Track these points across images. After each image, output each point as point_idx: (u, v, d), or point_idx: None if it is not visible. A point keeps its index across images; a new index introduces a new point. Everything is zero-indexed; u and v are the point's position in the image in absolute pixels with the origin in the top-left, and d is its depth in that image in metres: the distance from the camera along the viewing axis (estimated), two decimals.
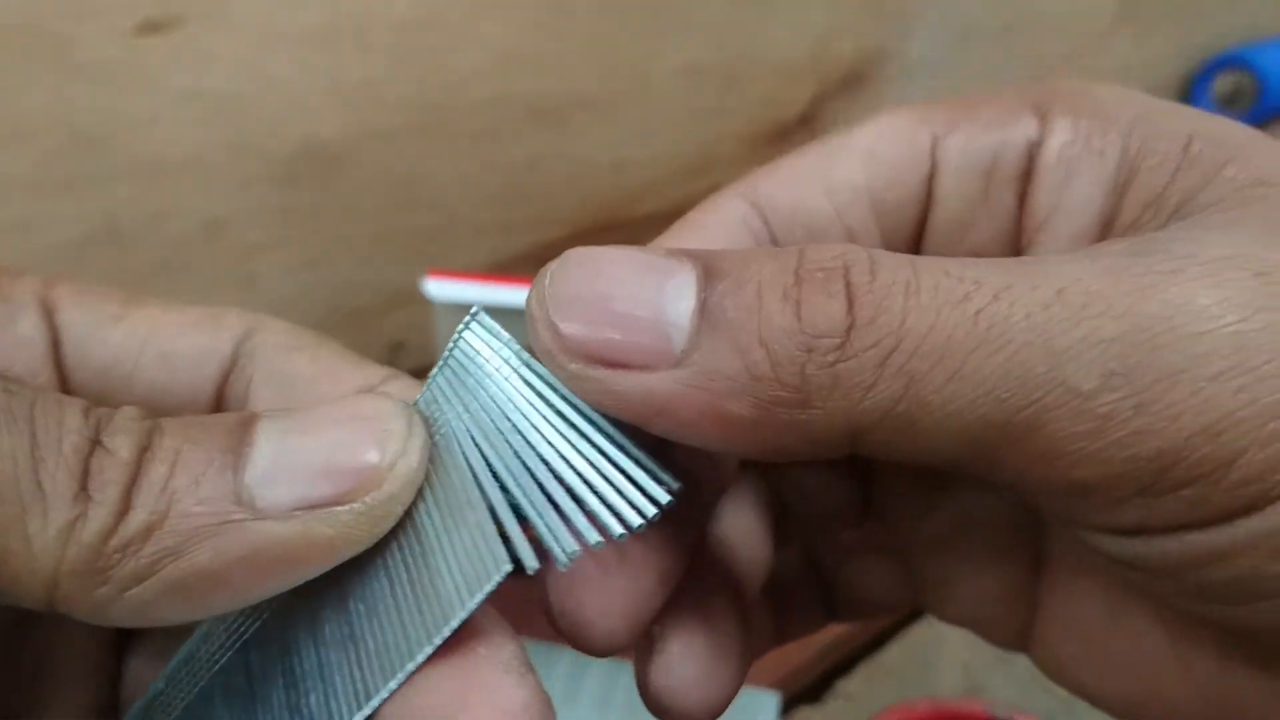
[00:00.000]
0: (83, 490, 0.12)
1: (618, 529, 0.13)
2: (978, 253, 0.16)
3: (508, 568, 0.14)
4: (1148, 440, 0.11)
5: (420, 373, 0.55)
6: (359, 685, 0.14)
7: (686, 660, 0.15)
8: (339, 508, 0.14)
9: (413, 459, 0.14)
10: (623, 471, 0.14)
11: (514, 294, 0.48)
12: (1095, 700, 0.16)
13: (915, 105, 0.17)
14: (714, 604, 0.16)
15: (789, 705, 0.43)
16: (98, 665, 0.18)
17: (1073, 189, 0.15)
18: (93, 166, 0.44)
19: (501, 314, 0.54)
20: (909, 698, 0.43)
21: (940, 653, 0.46)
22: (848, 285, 0.12)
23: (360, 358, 0.18)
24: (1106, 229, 0.15)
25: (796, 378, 0.12)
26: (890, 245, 0.17)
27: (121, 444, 0.13)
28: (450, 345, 0.16)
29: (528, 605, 0.48)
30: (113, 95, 0.44)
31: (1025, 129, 0.16)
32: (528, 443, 0.14)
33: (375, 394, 0.15)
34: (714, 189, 0.65)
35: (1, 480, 0.12)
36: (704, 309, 0.13)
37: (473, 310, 0.16)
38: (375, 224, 0.55)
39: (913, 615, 0.50)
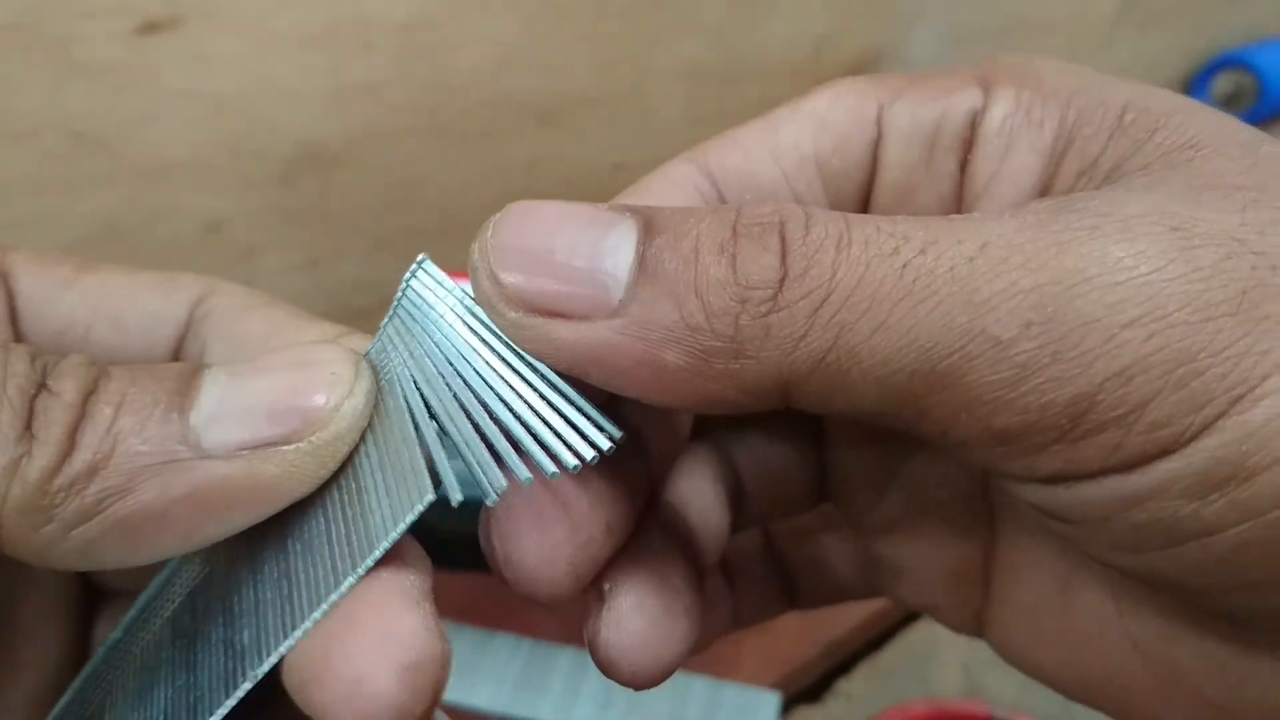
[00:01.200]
0: (27, 430, 0.12)
1: (550, 467, 0.13)
2: (920, 213, 0.16)
3: (431, 497, 0.14)
4: (1063, 386, 0.11)
5: None
6: (286, 618, 0.14)
7: (636, 615, 0.15)
8: (285, 447, 0.14)
9: (358, 401, 0.14)
10: (563, 416, 0.14)
11: None
12: (1049, 680, 0.17)
13: (865, 77, 0.18)
14: (666, 563, 0.16)
15: (789, 705, 0.43)
16: (67, 628, 0.19)
17: (1012, 156, 0.16)
18: (93, 166, 0.44)
19: None
20: (909, 698, 0.43)
21: (940, 653, 0.46)
22: (782, 239, 0.12)
23: (314, 317, 0.19)
24: (1044, 194, 0.16)
25: (730, 328, 0.12)
26: (837, 208, 0.17)
27: (67, 387, 0.13)
28: (399, 293, 0.16)
29: (535, 605, 0.48)
30: (113, 95, 0.44)
31: (969, 99, 0.16)
32: (468, 385, 0.15)
33: (324, 342, 0.16)
34: None
35: None
36: (642, 261, 0.13)
37: (419, 258, 0.16)
38: (375, 224, 0.55)
39: (913, 615, 0.50)
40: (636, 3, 0.59)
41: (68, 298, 0.18)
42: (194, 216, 0.48)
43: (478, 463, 0.14)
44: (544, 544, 0.14)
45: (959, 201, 0.17)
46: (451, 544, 0.46)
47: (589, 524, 0.15)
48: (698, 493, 0.18)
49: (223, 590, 0.16)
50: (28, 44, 0.41)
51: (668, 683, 0.45)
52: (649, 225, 0.13)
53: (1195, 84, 1.10)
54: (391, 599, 0.14)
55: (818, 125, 0.17)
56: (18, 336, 0.17)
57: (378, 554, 0.14)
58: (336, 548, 0.14)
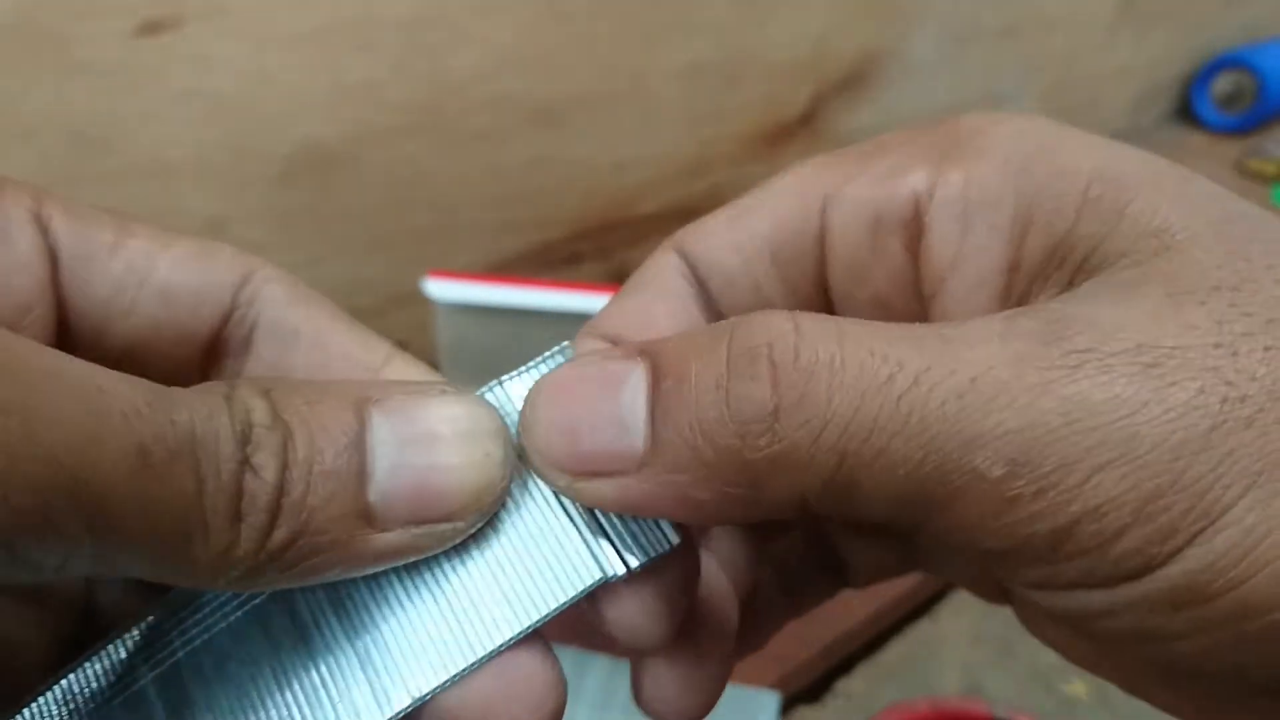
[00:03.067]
0: (236, 515, 0.14)
1: (633, 563, 0.16)
2: (878, 297, 0.18)
3: (600, 577, 0.16)
4: (1044, 520, 0.13)
5: None
6: (444, 655, 0.16)
7: (669, 673, 0.17)
8: (445, 525, 0.15)
9: (506, 482, 0.16)
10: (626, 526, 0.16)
11: (514, 294, 0.48)
12: (1059, 649, 0.18)
13: (822, 157, 0.19)
14: (697, 620, 0.18)
15: (789, 705, 0.43)
16: (72, 595, 0.19)
17: (971, 237, 0.16)
18: (93, 166, 0.44)
19: (500, 314, 0.54)
20: (909, 698, 0.43)
21: (940, 653, 0.46)
22: (771, 366, 0.13)
23: (355, 322, 0.19)
24: (1012, 273, 0.16)
25: (738, 464, 0.13)
26: (796, 292, 0.19)
27: (267, 463, 0.14)
28: (539, 360, 0.17)
29: None
30: (113, 95, 0.44)
31: (912, 182, 0.17)
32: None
33: (472, 400, 0.16)
34: (713, 189, 0.66)
35: (173, 517, 0.13)
36: (654, 412, 0.14)
37: (564, 345, 0.17)
38: (375, 224, 0.55)
39: (913, 615, 0.50)
40: (636, 3, 0.59)
41: (114, 266, 0.18)
42: (194, 216, 0.48)
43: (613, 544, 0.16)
44: (644, 601, 0.16)
45: (916, 281, 0.18)
46: None
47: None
48: (723, 537, 0.19)
49: (334, 601, 0.17)
50: (28, 44, 0.41)
51: None
52: (655, 369, 0.14)
53: (1195, 84, 1.10)
54: (541, 663, 0.16)
55: (771, 216, 0.18)
56: (59, 296, 0.17)
57: (542, 618, 0.16)
58: (493, 602, 0.16)
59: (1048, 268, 0.16)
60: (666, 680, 0.17)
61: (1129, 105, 1.06)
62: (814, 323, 0.14)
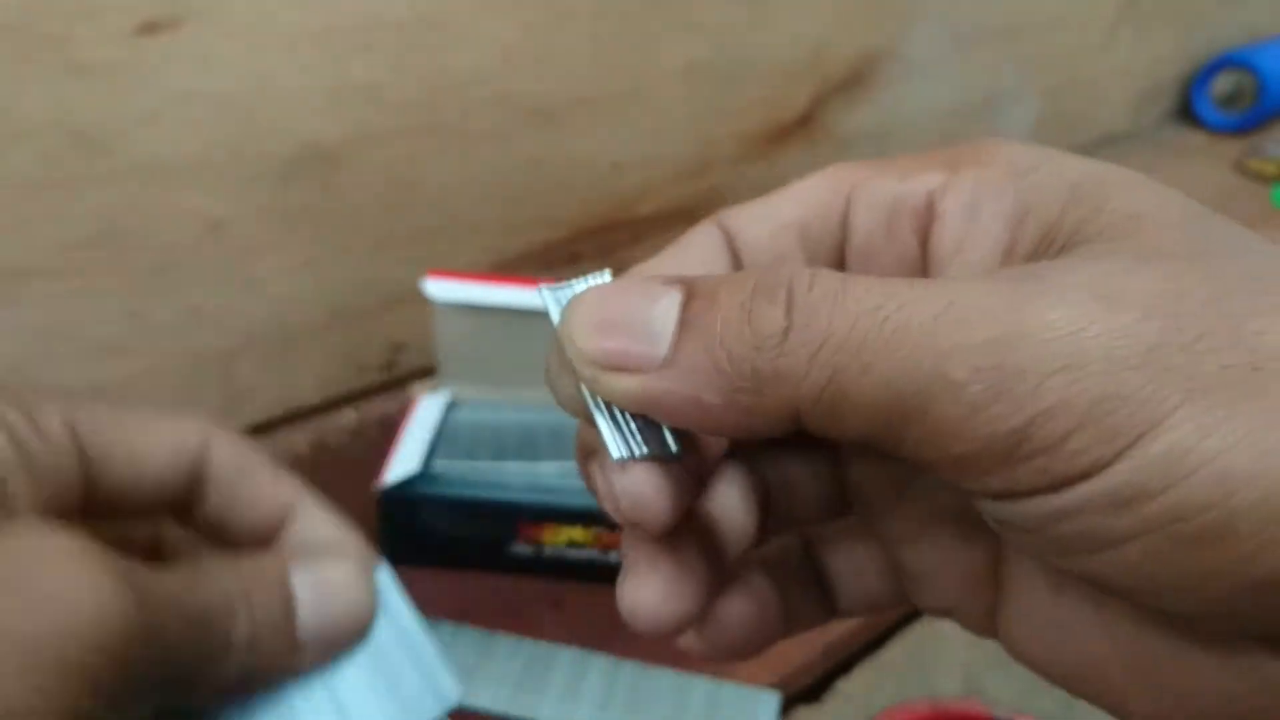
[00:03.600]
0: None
1: (639, 450, 0.18)
2: (884, 273, 0.20)
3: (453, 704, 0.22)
4: (1003, 421, 0.14)
5: (421, 374, 0.55)
6: None
7: (651, 575, 0.19)
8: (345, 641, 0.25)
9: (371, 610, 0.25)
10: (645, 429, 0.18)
11: (514, 294, 0.48)
12: (1045, 673, 0.19)
13: (853, 163, 0.21)
14: (685, 542, 0.20)
15: (789, 705, 0.43)
16: None
17: (977, 222, 0.19)
18: (93, 166, 0.44)
19: (500, 314, 0.54)
20: (909, 698, 0.43)
21: (940, 653, 0.46)
22: (789, 295, 0.16)
23: (295, 485, 0.27)
24: (1010, 256, 0.19)
25: (749, 370, 0.16)
26: (816, 263, 0.21)
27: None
28: (582, 279, 0.19)
29: (535, 604, 0.48)
30: (113, 95, 0.44)
31: (928, 180, 0.20)
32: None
33: (350, 562, 0.25)
34: (714, 189, 0.66)
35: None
36: (683, 323, 0.16)
37: (606, 271, 0.20)
38: (375, 224, 0.55)
39: (912, 615, 0.50)
40: (636, 3, 0.59)
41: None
42: (194, 216, 0.48)
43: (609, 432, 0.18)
44: (654, 476, 0.18)
45: (921, 264, 0.20)
46: (454, 544, 0.46)
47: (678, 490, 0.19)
48: (726, 498, 0.21)
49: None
50: (28, 44, 0.41)
51: (668, 682, 0.44)
52: (690, 292, 0.17)
53: (1195, 84, 1.10)
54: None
55: (804, 199, 0.21)
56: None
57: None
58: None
59: (1039, 249, 0.18)
60: (648, 579, 0.19)
61: (1129, 105, 1.06)
62: (826, 270, 0.16)
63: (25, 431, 0.22)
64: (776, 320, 0.15)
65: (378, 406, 0.58)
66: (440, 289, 0.48)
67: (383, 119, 0.52)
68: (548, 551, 0.45)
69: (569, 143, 0.60)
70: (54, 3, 0.41)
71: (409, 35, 0.51)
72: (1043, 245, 0.18)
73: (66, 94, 0.42)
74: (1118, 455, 0.14)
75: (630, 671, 0.42)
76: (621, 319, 0.17)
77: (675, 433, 0.18)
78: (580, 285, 0.19)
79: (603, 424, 0.18)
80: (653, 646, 0.42)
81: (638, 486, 0.18)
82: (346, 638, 0.24)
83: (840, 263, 0.21)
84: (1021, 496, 0.15)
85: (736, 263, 0.21)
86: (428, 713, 0.23)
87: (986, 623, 0.21)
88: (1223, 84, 1.08)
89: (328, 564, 0.25)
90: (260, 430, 0.56)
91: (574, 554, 0.45)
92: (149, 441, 0.24)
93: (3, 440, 0.21)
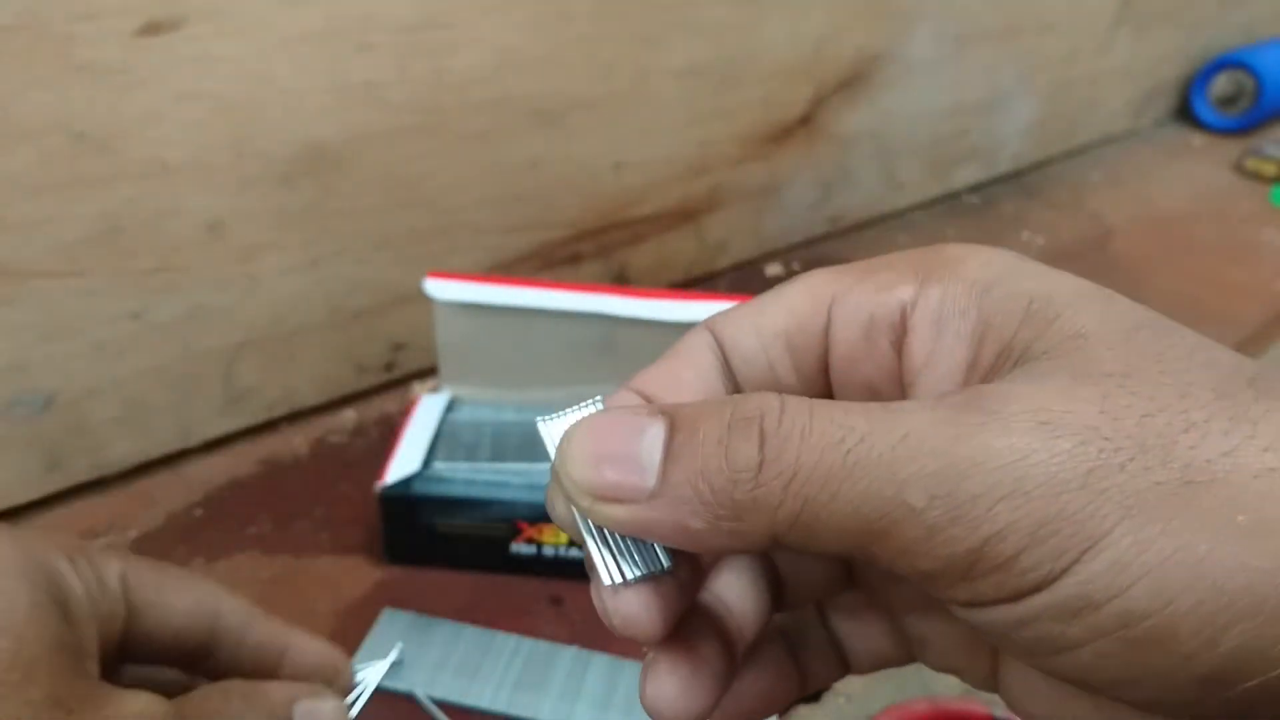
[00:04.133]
0: None
1: (630, 574, 0.19)
2: (868, 383, 0.22)
3: None
4: (960, 542, 0.16)
5: (421, 374, 0.55)
6: None
7: (670, 676, 0.20)
8: None
9: None
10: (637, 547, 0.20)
11: (514, 294, 0.48)
12: None
13: (832, 269, 0.23)
14: (699, 638, 0.21)
15: (789, 705, 0.43)
16: None
17: (942, 340, 0.20)
18: (93, 166, 0.44)
19: (500, 314, 0.54)
20: (909, 698, 0.43)
21: None
22: (761, 430, 0.17)
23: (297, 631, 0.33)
24: (971, 370, 0.20)
25: (729, 501, 0.17)
26: (802, 374, 0.23)
27: None
28: (577, 408, 0.21)
29: (535, 604, 0.48)
30: (113, 95, 0.44)
31: (901, 294, 0.21)
32: None
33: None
34: (713, 189, 0.66)
35: None
36: (668, 455, 0.18)
37: (598, 399, 0.21)
38: (375, 224, 0.55)
39: None
40: (637, 3, 0.59)
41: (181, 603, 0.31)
42: (194, 216, 0.48)
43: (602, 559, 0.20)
44: (643, 597, 0.19)
45: (899, 374, 0.22)
46: (453, 544, 0.46)
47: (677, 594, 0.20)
48: (737, 584, 0.23)
49: None
50: (28, 44, 0.41)
51: None
52: (673, 424, 0.18)
53: (1195, 84, 1.10)
54: None
55: (788, 310, 0.22)
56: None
57: None
58: None
59: (996, 365, 0.19)
60: (667, 680, 0.20)
61: (1129, 105, 1.06)
62: (795, 401, 0.18)
63: (95, 587, 0.27)
64: (751, 455, 0.17)
65: (377, 406, 0.58)
66: (440, 289, 0.48)
67: (383, 119, 0.52)
68: (547, 551, 0.45)
69: (569, 143, 0.60)
70: (55, 3, 0.41)
71: (409, 35, 0.51)
72: (1000, 361, 0.19)
73: (67, 94, 0.42)
74: (1064, 571, 0.15)
75: (630, 671, 0.42)
76: (612, 452, 0.18)
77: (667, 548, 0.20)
78: (574, 415, 0.20)
79: (594, 549, 0.19)
80: None
81: (629, 607, 0.19)
82: None
83: (825, 371, 0.23)
84: (984, 605, 0.16)
85: (727, 368, 0.23)
86: None
87: (990, 683, 0.23)
88: (1222, 84, 1.08)
89: (320, 700, 0.31)
90: (260, 430, 0.56)
91: (574, 554, 0.45)
92: (179, 598, 0.30)
93: (81, 593, 0.27)
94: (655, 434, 0.18)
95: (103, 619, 0.27)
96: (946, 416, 0.16)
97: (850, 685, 0.45)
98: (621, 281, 0.69)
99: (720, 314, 0.24)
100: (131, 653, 0.29)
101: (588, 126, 0.61)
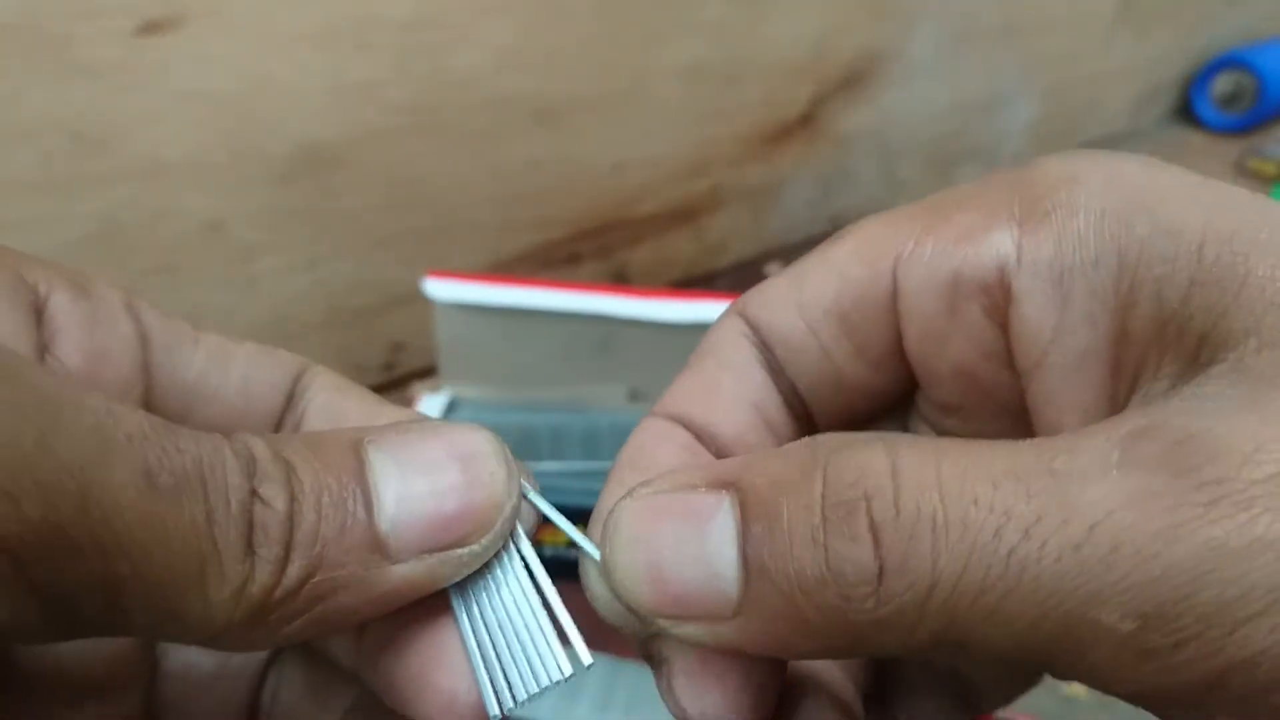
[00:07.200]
0: (249, 547, 0.13)
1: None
2: (962, 366, 0.17)
3: (570, 673, 0.16)
4: (1188, 671, 0.11)
5: (421, 374, 0.55)
6: None
7: (710, 679, 0.15)
8: (460, 550, 0.15)
9: (514, 500, 0.16)
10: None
11: (514, 294, 0.48)
12: None
13: (887, 215, 0.17)
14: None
15: None
16: (134, 673, 0.19)
17: (1070, 308, 0.15)
18: (93, 166, 0.44)
19: (500, 314, 0.53)
20: None
21: None
22: (871, 524, 0.13)
23: (391, 405, 0.20)
24: (1119, 347, 0.15)
25: (842, 623, 0.13)
26: (869, 358, 0.17)
27: (276, 494, 0.14)
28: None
29: None
30: (113, 95, 0.44)
31: (994, 243, 0.16)
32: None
33: (468, 426, 0.16)
34: (714, 189, 0.65)
35: (184, 547, 0.13)
36: (745, 560, 0.13)
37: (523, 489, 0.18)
38: (375, 224, 0.55)
39: None
40: (636, 3, 0.59)
41: (197, 354, 0.19)
42: (194, 216, 0.48)
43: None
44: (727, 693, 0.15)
45: (1005, 349, 0.16)
46: None
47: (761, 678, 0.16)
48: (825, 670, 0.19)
49: None
50: (28, 44, 0.41)
51: None
52: (743, 507, 0.14)
53: (1195, 84, 1.10)
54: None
55: (838, 279, 0.17)
56: (148, 378, 0.19)
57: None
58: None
59: (1160, 342, 0.14)
60: (710, 685, 0.15)
61: (1129, 105, 1.06)
62: (912, 461, 0.13)
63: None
64: (864, 563, 0.12)
65: None
66: (440, 289, 0.48)
67: (383, 119, 0.52)
68: (547, 551, 0.45)
69: (569, 143, 0.60)
70: (54, 3, 0.41)
71: (409, 35, 0.51)
72: (1165, 337, 0.14)
73: (67, 94, 0.42)
74: None
75: (630, 671, 0.42)
76: (672, 559, 0.14)
77: None
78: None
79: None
80: None
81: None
82: (466, 539, 0.16)
83: (898, 350, 0.17)
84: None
85: (772, 362, 0.18)
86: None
87: None
88: (1223, 84, 1.08)
89: (429, 434, 0.16)
90: None
91: (574, 554, 0.45)
92: (233, 355, 0.20)
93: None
94: (724, 522, 0.14)
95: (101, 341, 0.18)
96: (1148, 488, 0.12)
97: None
98: (621, 281, 0.69)
99: (751, 294, 0.18)
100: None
101: (588, 126, 0.61)
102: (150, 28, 0.43)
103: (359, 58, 0.50)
